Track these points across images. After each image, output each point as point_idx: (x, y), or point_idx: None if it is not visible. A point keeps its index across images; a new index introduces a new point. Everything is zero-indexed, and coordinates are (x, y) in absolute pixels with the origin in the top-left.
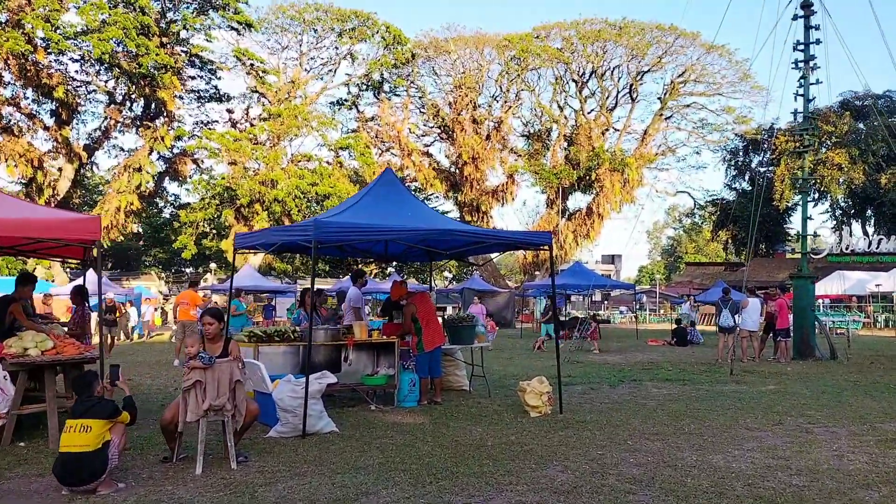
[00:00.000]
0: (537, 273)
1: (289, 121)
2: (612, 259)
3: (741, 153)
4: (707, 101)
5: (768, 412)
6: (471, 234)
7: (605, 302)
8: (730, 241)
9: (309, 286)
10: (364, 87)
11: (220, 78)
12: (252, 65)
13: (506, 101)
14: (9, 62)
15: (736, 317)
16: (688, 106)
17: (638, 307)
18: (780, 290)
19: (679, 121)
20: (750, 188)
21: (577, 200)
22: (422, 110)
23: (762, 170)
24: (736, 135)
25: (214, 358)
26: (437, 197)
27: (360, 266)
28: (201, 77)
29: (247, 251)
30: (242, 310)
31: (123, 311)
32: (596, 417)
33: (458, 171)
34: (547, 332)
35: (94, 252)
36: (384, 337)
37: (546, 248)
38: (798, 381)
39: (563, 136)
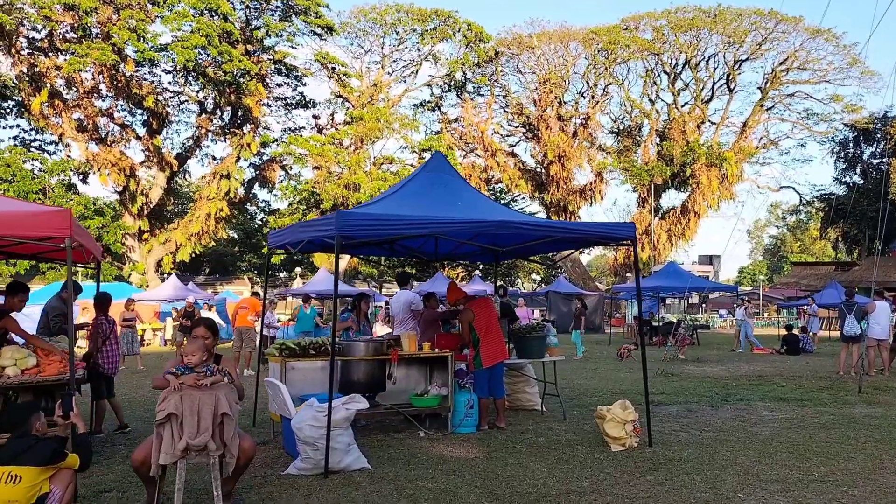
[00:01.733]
0: (629, 275)
1: (371, 124)
2: (709, 260)
3: (851, 144)
4: (812, 89)
5: None
6: (535, 226)
7: (704, 305)
8: (840, 238)
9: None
10: (447, 87)
11: (305, 84)
12: (334, 69)
13: (593, 97)
14: (102, 74)
15: (862, 323)
16: (791, 95)
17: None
18: None
19: (782, 111)
20: (862, 182)
21: (671, 198)
22: (506, 109)
23: (875, 161)
24: (845, 125)
25: (194, 370)
26: (524, 198)
27: (405, 268)
28: (287, 84)
29: (283, 250)
30: (313, 315)
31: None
32: (695, 453)
33: (543, 170)
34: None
35: (84, 253)
36: (436, 350)
37: (629, 242)
38: None
39: (655, 130)
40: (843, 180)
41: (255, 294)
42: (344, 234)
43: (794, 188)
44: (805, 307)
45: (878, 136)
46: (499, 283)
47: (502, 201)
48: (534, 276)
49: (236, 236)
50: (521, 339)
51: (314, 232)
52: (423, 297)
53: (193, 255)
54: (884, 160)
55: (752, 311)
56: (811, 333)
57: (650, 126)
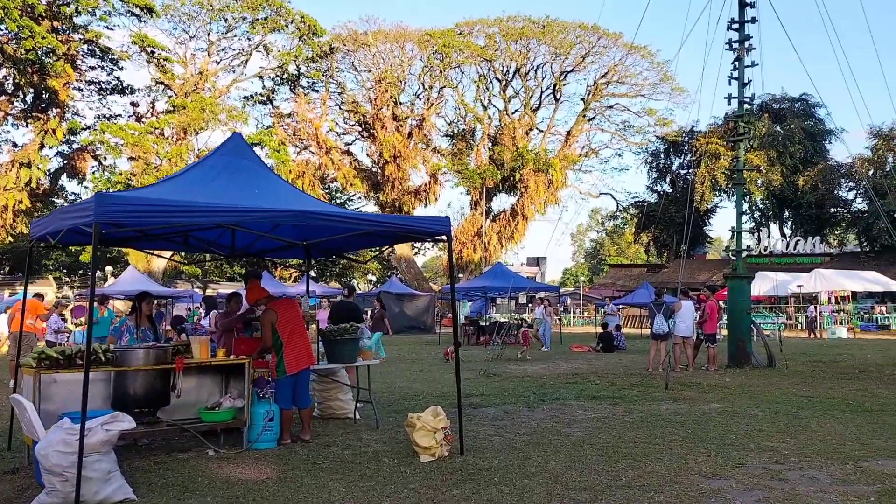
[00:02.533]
0: (460, 275)
1: (195, 113)
2: (536, 261)
3: (662, 155)
4: (629, 102)
5: (721, 446)
6: (340, 218)
7: (530, 304)
8: (651, 243)
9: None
10: (279, 80)
11: (122, 69)
12: (153, 52)
13: (428, 99)
14: None
15: (669, 322)
16: (611, 107)
17: (562, 310)
18: (708, 290)
19: (602, 122)
20: (671, 190)
21: (502, 201)
22: (341, 107)
23: (683, 172)
24: (657, 137)
25: None
26: (359, 197)
27: (254, 266)
28: (102, 67)
29: (44, 242)
30: (110, 318)
31: None
32: (506, 460)
33: (379, 170)
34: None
35: None
36: (232, 357)
37: (443, 237)
38: (743, 395)
39: (488, 135)
40: (655, 189)
41: (37, 295)
42: (106, 222)
43: (611, 195)
44: (604, 308)
45: (686, 148)
46: (342, 280)
47: (337, 201)
48: (370, 276)
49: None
50: (330, 342)
51: (74, 218)
52: (227, 297)
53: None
54: (690, 171)
55: (550, 310)
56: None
57: (483, 130)
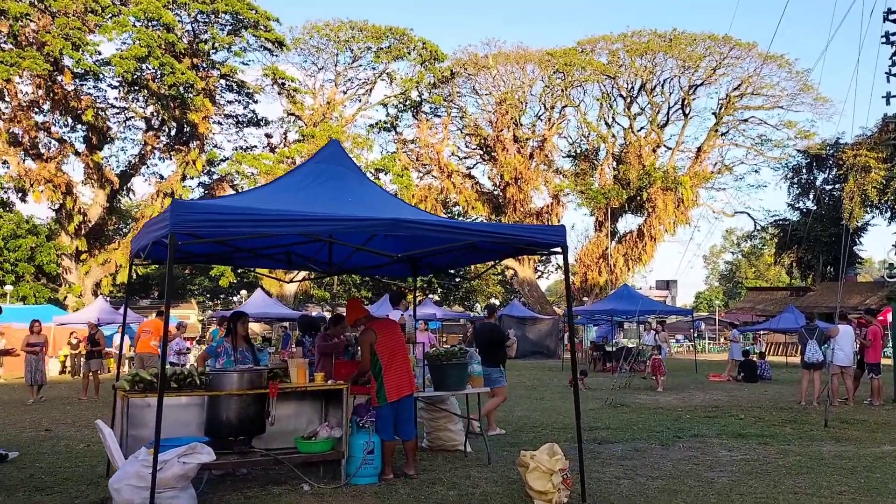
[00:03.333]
0: (586, 298)
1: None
2: (666, 285)
3: (804, 170)
4: (766, 115)
5: None
6: (440, 227)
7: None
8: (794, 264)
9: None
10: (402, 107)
11: (256, 101)
12: (284, 84)
13: (550, 119)
14: (39, 86)
15: (824, 348)
16: (745, 121)
17: (696, 335)
18: (867, 315)
19: (736, 137)
20: (815, 207)
21: (628, 222)
22: (462, 131)
23: (828, 187)
24: (798, 151)
25: None
26: (482, 220)
27: (399, 287)
28: (239, 101)
29: (140, 261)
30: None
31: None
32: None
33: (500, 192)
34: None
35: None
36: (330, 381)
37: (559, 249)
38: None
39: (612, 154)
40: (797, 206)
41: (159, 314)
42: (182, 232)
43: (748, 214)
44: (732, 333)
45: (831, 162)
46: (488, 302)
47: None
48: (493, 300)
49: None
50: (436, 367)
51: (156, 230)
52: (330, 319)
53: (139, 278)
54: (836, 186)
55: (664, 335)
56: (732, 360)
57: (606, 149)
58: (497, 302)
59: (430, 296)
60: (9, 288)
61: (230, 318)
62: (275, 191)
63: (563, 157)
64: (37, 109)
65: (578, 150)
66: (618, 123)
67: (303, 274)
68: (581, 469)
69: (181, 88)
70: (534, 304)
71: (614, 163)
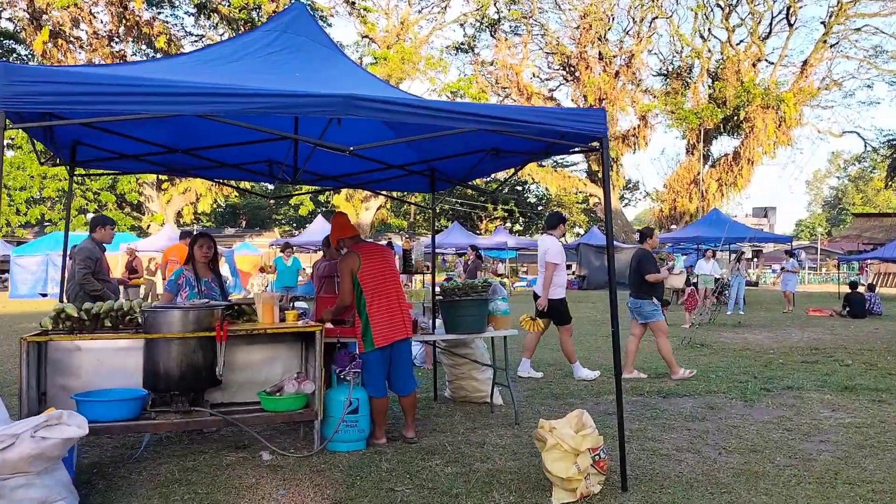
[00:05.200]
0: (674, 227)
1: (394, 64)
2: (764, 212)
3: None
4: (883, 22)
5: None
6: (419, 110)
7: (756, 259)
8: None
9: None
10: (480, 26)
11: (330, 25)
12: (354, 3)
13: (639, 34)
14: (113, 14)
15: None
16: (858, 30)
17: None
18: None
19: (847, 48)
20: None
21: (723, 145)
22: (544, 50)
23: None
24: None
25: None
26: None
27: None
28: None
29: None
30: (297, 267)
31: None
32: None
33: None
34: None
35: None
36: (307, 321)
37: (596, 143)
38: None
39: (707, 70)
40: None
41: (185, 234)
42: (21, 109)
43: (858, 133)
44: (784, 265)
45: None
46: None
47: None
48: (577, 229)
49: (271, 187)
50: (448, 304)
51: None
52: (323, 241)
53: (222, 207)
54: None
55: (739, 265)
56: (785, 294)
57: (701, 65)
58: (582, 230)
59: (504, 225)
60: (90, 216)
61: (191, 239)
62: (188, 63)
63: (653, 75)
64: (116, 39)
65: (670, 68)
66: (714, 36)
67: (379, 200)
68: (621, 443)
69: (251, 12)
70: (618, 233)
71: (709, 80)
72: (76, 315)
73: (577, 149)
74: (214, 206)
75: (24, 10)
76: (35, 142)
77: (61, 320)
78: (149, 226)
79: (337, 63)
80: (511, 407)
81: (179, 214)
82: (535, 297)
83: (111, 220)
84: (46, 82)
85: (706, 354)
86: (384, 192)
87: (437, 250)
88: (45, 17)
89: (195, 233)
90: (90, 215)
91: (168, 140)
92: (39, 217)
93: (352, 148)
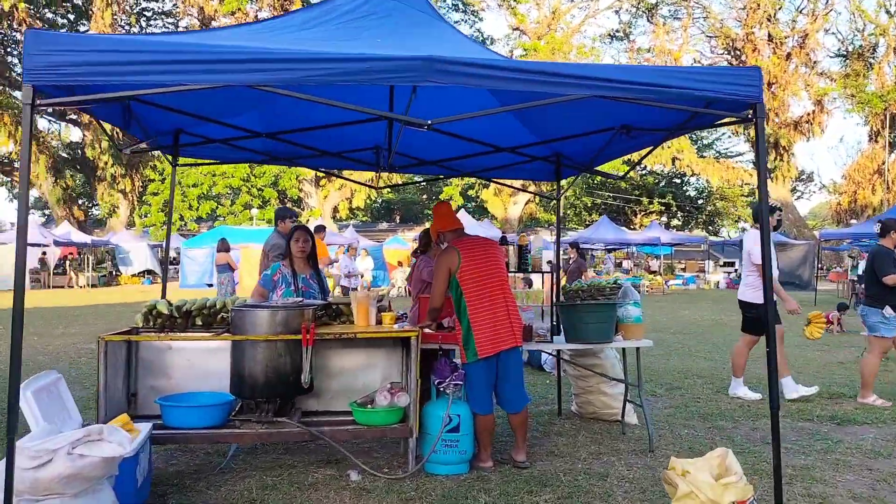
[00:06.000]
0: (853, 221)
1: (544, 55)
2: None
3: None
4: None
5: None
6: (521, 74)
7: None
8: None
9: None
10: (636, 11)
11: (481, 19)
12: None
13: (813, 12)
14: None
15: None
16: None
17: None
18: None
19: None
20: None
21: None
22: (706, 34)
23: None
24: None
25: None
26: (728, 135)
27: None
28: (464, 21)
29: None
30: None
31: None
32: None
33: None
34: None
35: None
36: (396, 325)
37: (750, 111)
38: None
39: (894, 49)
40: None
41: (320, 228)
42: (51, 83)
43: None
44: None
45: None
46: (709, 229)
47: (704, 141)
48: (742, 224)
49: (423, 182)
50: (567, 308)
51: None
52: (420, 236)
53: (377, 202)
54: None
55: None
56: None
57: (887, 44)
58: (747, 225)
59: (660, 219)
60: (255, 212)
61: (289, 232)
62: (260, 29)
63: (830, 56)
64: None
65: (850, 48)
66: None
67: (527, 195)
68: (777, 491)
69: None
70: (789, 228)
71: None
72: (167, 312)
73: (725, 119)
74: (368, 200)
75: (196, 18)
76: (102, 123)
77: (153, 317)
78: (308, 220)
79: (432, 29)
80: (645, 428)
81: (336, 209)
82: (741, 304)
83: (293, 213)
84: (75, 51)
85: (892, 370)
86: (500, 181)
87: (584, 247)
88: (213, 23)
89: (293, 226)
90: (255, 210)
91: (263, 126)
92: (210, 212)
93: (430, 122)
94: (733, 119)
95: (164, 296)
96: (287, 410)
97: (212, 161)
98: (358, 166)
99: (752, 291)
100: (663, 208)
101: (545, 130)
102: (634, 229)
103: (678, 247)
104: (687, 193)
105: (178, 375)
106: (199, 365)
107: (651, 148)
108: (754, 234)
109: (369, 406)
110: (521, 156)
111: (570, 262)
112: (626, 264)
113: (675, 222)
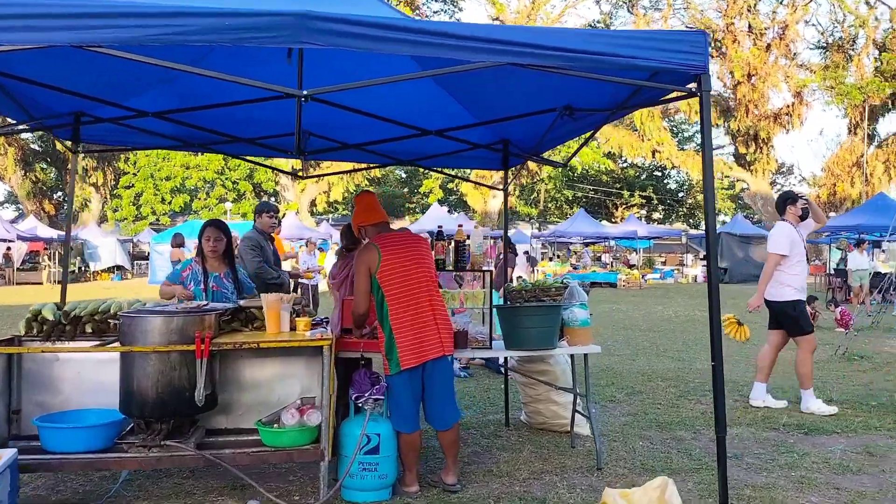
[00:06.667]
0: (833, 213)
1: None
2: None
3: None
4: None
5: None
6: (420, 35)
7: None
8: None
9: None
10: (617, 2)
11: (461, 9)
12: None
13: (793, 3)
14: None
15: None
16: None
17: None
18: None
19: None
20: None
21: (892, 123)
22: (686, 25)
23: None
24: None
25: None
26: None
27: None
28: (444, 11)
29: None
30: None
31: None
32: None
33: (731, 92)
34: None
35: None
36: (323, 332)
37: (690, 84)
38: None
39: (873, 41)
40: None
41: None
42: None
43: None
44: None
45: None
46: (690, 222)
47: (685, 133)
48: (721, 217)
49: (403, 175)
50: (507, 311)
51: None
52: (341, 230)
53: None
54: None
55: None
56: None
57: (866, 35)
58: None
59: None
60: (229, 205)
61: (200, 229)
62: None
63: (810, 48)
64: None
65: (830, 39)
66: (882, 2)
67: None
68: None
69: None
70: (770, 220)
71: (875, 51)
72: (52, 318)
73: (670, 95)
74: (346, 193)
75: None
76: None
77: (37, 324)
78: (285, 214)
79: None
80: (592, 445)
81: (313, 203)
82: (768, 304)
83: (272, 207)
84: None
85: (866, 370)
86: (438, 170)
87: (560, 240)
88: None
89: (206, 221)
90: (228, 204)
91: (164, 107)
92: (183, 206)
93: (305, 92)
94: (679, 94)
95: (63, 297)
96: (185, 430)
97: (120, 147)
98: (272, 153)
99: (779, 288)
100: (644, 201)
101: (486, 113)
102: (616, 222)
103: (658, 240)
104: (668, 186)
105: (67, 390)
106: (91, 378)
107: (594, 130)
108: (778, 226)
109: (275, 425)
110: (465, 143)
111: (500, 257)
112: (606, 258)
113: (656, 215)
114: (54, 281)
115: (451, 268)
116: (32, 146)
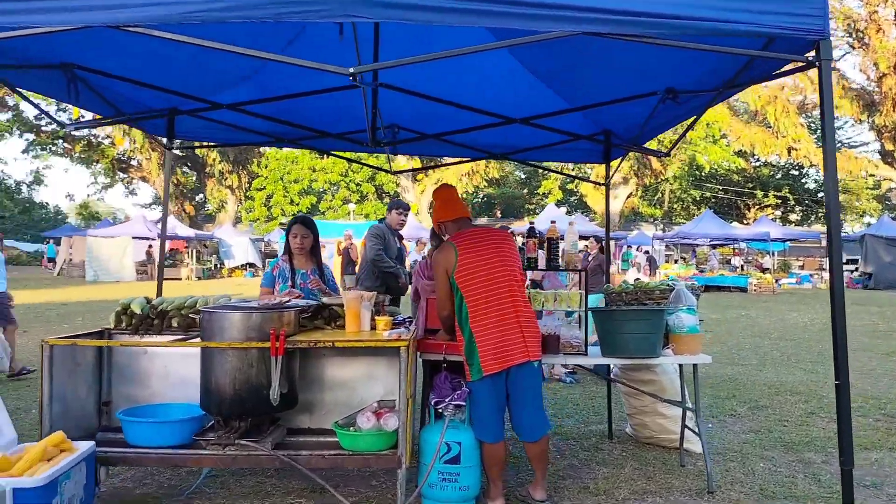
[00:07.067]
0: None
1: None
2: None
3: None
4: None
5: None
6: (483, 3)
7: None
8: None
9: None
10: None
11: None
12: None
13: None
14: None
15: None
16: None
17: None
18: None
19: None
20: None
21: None
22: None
23: None
24: None
25: None
26: (851, 123)
27: None
28: None
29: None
30: None
31: None
32: None
33: (875, 86)
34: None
35: None
36: (402, 332)
37: (811, 55)
38: None
39: None
40: None
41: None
42: None
43: None
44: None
45: None
46: None
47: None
48: (868, 218)
49: (523, 176)
50: (603, 316)
51: None
52: (431, 232)
53: (477, 197)
54: None
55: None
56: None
57: None
58: (870, 220)
59: (773, 214)
60: (352, 206)
61: (288, 225)
62: None
63: None
64: None
65: None
66: None
67: (630, 186)
68: None
69: None
70: None
71: None
72: (140, 312)
73: (785, 68)
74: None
75: None
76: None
77: (126, 317)
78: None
79: None
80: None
81: (431, 204)
82: None
83: (403, 205)
84: None
85: None
86: (536, 164)
87: (685, 241)
88: None
89: (294, 216)
90: (352, 205)
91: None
92: (310, 207)
93: (352, 70)
94: (796, 66)
95: (159, 291)
96: (265, 429)
97: (212, 144)
98: (356, 147)
99: None
100: (779, 202)
101: (579, 97)
102: (748, 224)
103: (795, 243)
104: (806, 186)
105: (155, 384)
106: (177, 373)
107: (699, 113)
108: None
109: (351, 429)
110: (564, 135)
111: (590, 258)
112: (736, 261)
113: (792, 217)
114: (193, 277)
115: (543, 267)
116: (175, 151)
